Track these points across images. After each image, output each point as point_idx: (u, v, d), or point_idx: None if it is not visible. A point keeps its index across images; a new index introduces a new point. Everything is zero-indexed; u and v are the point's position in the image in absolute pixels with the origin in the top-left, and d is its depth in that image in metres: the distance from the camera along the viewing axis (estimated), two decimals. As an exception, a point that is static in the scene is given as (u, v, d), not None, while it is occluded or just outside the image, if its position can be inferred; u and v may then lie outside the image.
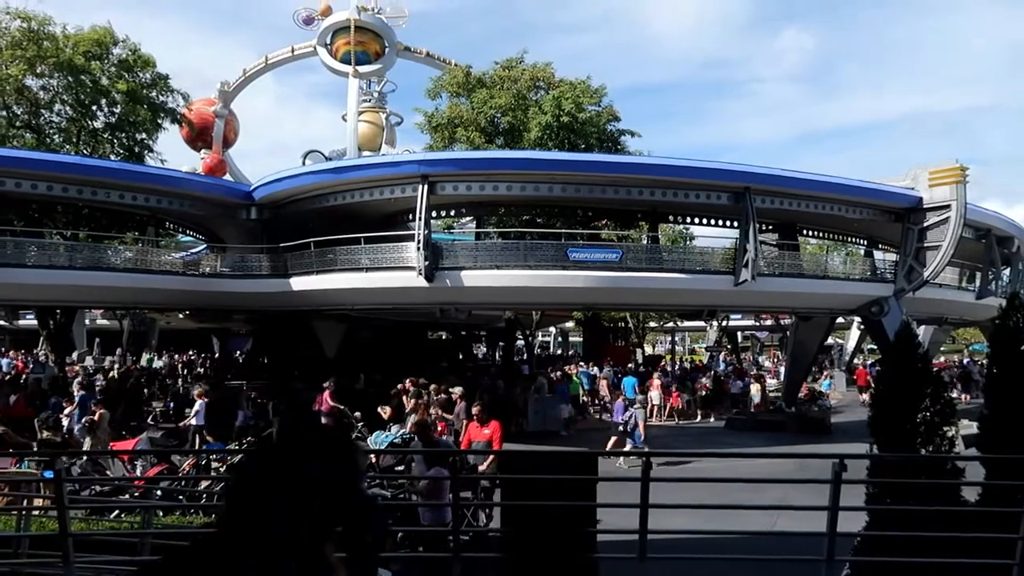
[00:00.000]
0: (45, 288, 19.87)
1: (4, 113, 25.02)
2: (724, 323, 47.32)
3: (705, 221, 24.66)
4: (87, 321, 40.45)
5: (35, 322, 31.71)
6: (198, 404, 16.86)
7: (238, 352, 40.56)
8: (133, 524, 8.53)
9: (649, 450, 13.86)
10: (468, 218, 28.08)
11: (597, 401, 26.96)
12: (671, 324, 52.58)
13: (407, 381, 18.48)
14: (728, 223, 23.52)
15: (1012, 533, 5.41)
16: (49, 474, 9.58)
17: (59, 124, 26.13)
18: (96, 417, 14.33)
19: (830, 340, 38.39)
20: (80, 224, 22.59)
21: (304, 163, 33.68)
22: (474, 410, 12.74)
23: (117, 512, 9.39)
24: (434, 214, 22.16)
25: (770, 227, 24.84)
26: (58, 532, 5.33)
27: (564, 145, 27.11)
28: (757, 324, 51.16)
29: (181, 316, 35.96)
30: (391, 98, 45.82)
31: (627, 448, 16.04)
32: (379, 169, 20.98)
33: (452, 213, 25.13)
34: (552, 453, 5.53)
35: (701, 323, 48.15)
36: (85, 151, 25.58)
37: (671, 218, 25.60)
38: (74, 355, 33.12)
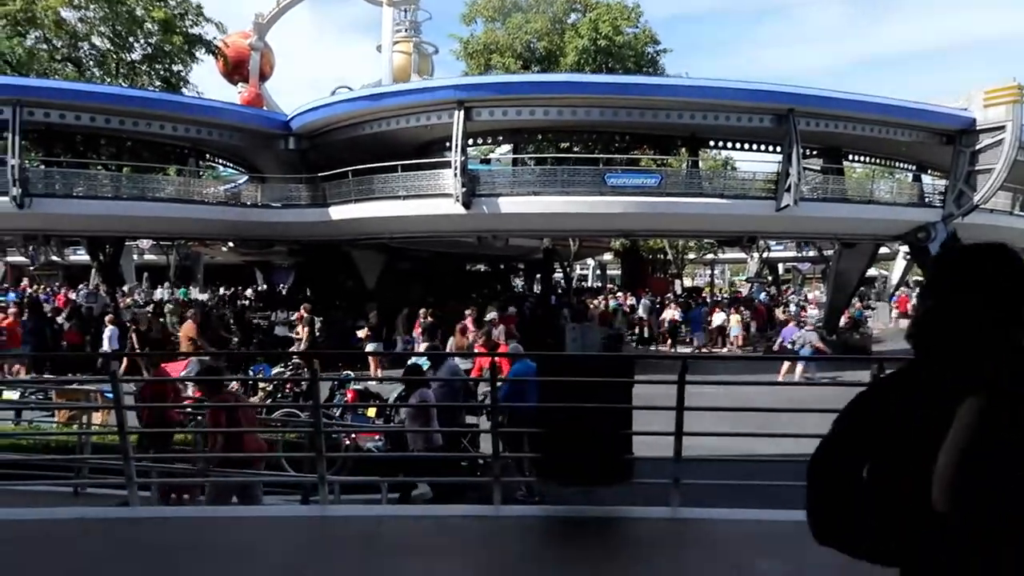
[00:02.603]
0: (93, 219, 20.40)
1: (45, 46, 25.26)
2: (765, 254, 46.59)
3: (746, 146, 24.08)
4: (135, 256, 41.48)
5: (86, 257, 32.65)
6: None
7: (281, 285, 41.34)
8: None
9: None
10: (505, 147, 27.80)
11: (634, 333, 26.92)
12: (710, 255, 51.91)
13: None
14: (770, 148, 22.96)
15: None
16: (111, 395, 10.05)
17: (97, 56, 26.29)
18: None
19: (874, 271, 37.66)
20: (124, 156, 22.97)
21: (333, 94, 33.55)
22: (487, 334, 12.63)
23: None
24: (471, 142, 22.00)
25: (814, 152, 24.20)
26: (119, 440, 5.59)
27: (602, 69, 26.58)
28: (799, 255, 50.26)
29: (225, 249, 36.65)
30: (426, 28, 45.21)
31: (798, 371, 16.27)
32: (415, 95, 20.81)
33: (489, 140, 24.88)
34: (588, 357, 5.57)
35: (741, 254, 47.45)
36: (123, 83, 25.77)
37: (711, 143, 25.06)
38: (125, 287, 34.10)
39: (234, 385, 12.45)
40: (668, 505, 5.37)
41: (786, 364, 17.19)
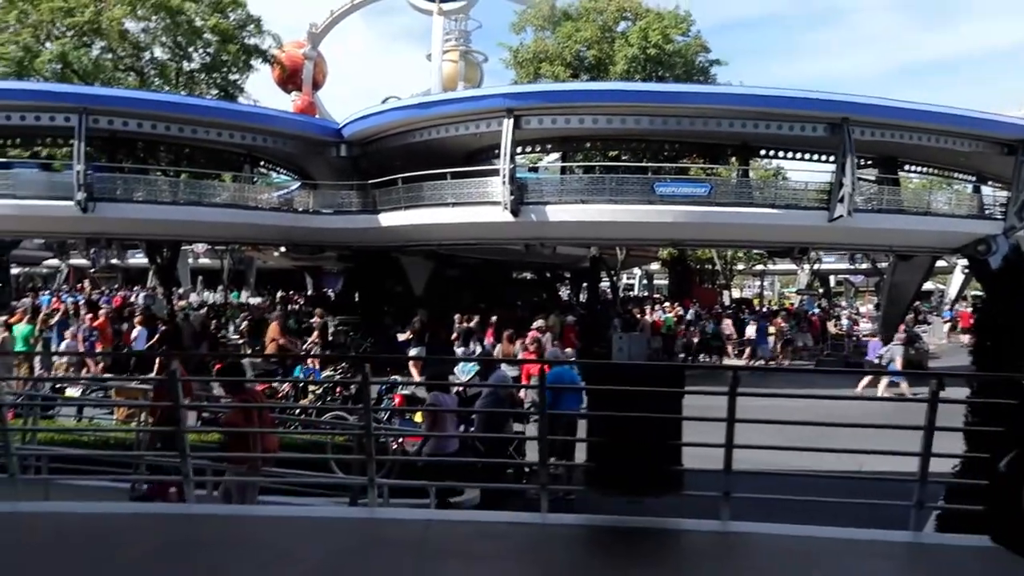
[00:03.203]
0: (152, 223, 21.05)
1: (109, 56, 26.18)
2: (816, 265, 45.68)
3: (798, 155, 23.70)
4: (190, 260, 42.64)
5: (144, 260, 33.68)
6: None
7: (330, 290, 42.00)
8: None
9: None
10: (553, 155, 27.83)
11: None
12: (760, 266, 51.11)
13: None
14: (823, 157, 22.56)
15: None
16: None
17: (158, 65, 27.14)
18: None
19: (930, 285, 36.61)
20: (181, 162, 23.66)
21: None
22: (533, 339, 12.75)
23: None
24: (519, 150, 22.08)
25: (869, 162, 23.67)
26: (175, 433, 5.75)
27: (651, 78, 26.45)
28: (852, 268, 49.12)
29: (276, 254, 37.41)
30: (475, 37, 45.49)
31: (882, 386, 16.21)
32: (464, 104, 21.00)
33: (537, 149, 24.95)
34: (638, 365, 5.53)
35: (792, 266, 46.64)
36: (182, 92, 26.55)
37: (762, 152, 24.71)
38: (180, 290, 35.08)
39: (260, 386, 12.76)
40: (718, 519, 5.30)
41: (866, 379, 17.06)
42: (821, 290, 50.25)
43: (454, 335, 18.86)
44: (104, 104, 20.47)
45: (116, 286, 44.84)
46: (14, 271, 39.06)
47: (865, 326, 33.08)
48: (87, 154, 19.70)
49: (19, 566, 4.48)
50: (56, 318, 18.70)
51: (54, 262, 49.02)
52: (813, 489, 6.11)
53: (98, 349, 16.51)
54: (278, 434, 8.40)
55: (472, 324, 19.09)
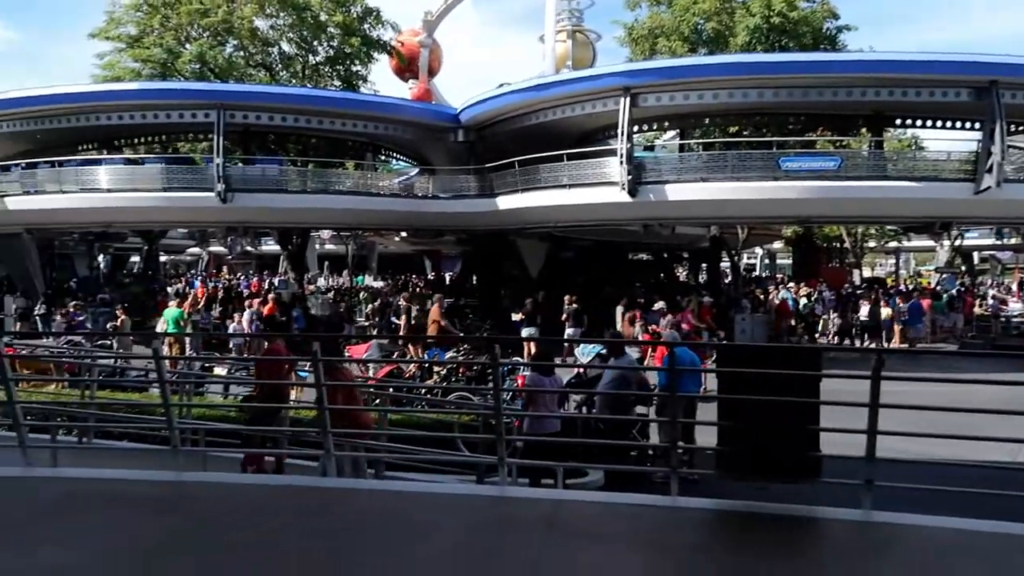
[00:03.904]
0: (284, 211, 22.21)
1: (241, 53, 27.68)
2: (957, 241, 42.48)
3: (938, 123, 22.11)
4: (317, 246, 44.72)
5: (276, 247, 35.62)
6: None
7: (448, 273, 42.99)
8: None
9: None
10: (670, 133, 27.20)
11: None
12: (894, 243, 48.05)
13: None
14: (966, 125, 20.96)
15: None
16: (303, 374, 10.93)
17: (285, 60, 28.44)
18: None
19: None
20: (309, 152, 24.82)
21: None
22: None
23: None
24: (636, 129, 21.71)
25: (1021, 128, 21.78)
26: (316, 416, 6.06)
27: (775, 49, 25.29)
28: (999, 243, 45.38)
29: (397, 239, 38.64)
30: (588, 14, 44.89)
31: None
32: (580, 84, 20.81)
33: (654, 127, 24.45)
34: (773, 348, 5.35)
35: (929, 242, 43.62)
36: (308, 85, 27.72)
37: (897, 122, 23.20)
38: (309, 275, 36.89)
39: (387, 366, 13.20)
40: (858, 508, 5.07)
41: None
42: (963, 268, 46.73)
43: (563, 316, 19.01)
44: (239, 100, 21.81)
45: (251, 271, 47.70)
46: (162, 258, 42.26)
47: (1015, 306, 30.59)
48: (224, 148, 21.02)
49: (185, 531, 4.88)
50: (201, 303, 20.18)
51: (196, 250, 52.64)
52: (963, 481, 5.72)
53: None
54: (381, 412, 8.69)
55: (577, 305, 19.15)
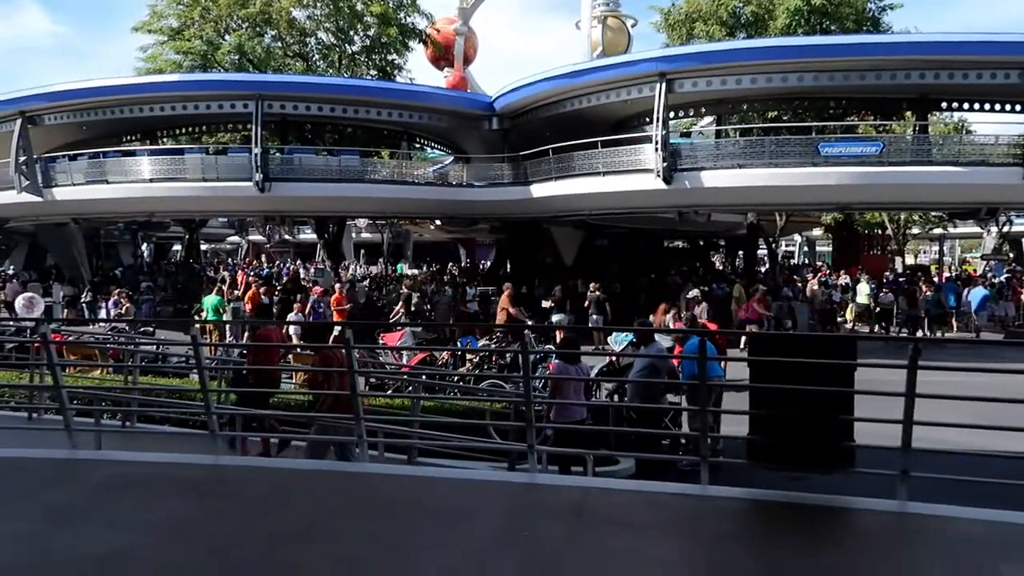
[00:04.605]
0: (321, 200, 22.47)
1: (279, 44, 27.97)
2: (1005, 228, 41.25)
3: (986, 106, 21.47)
4: (353, 235, 45.16)
5: (313, 236, 36.07)
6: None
7: (482, 261, 43.12)
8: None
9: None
10: (707, 119, 26.84)
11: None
12: (938, 230, 46.83)
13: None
14: (1016, 107, 20.33)
15: None
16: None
17: (322, 50, 28.66)
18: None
19: None
20: (344, 141, 25.04)
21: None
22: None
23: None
24: (671, 115, 21.47)
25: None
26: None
27: (816, 32, 24.73)
28: (1051, 229, 43.95)
29: (432, 227, 38.84)
30: (625, 1, 44.29)
31: None
32: (615, 70, 20.63)
33: (690, 113, 24.16)
34: (806, 336, 5.28)
35: (976, 228, 42.46)
36: (345, 74, 27.92)
37: (944, 104, 22.58)
38: (345, 263, 37.29)
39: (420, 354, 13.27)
40: (894, 498, 5.00)
41: None
42: (1011, 255, 45.40)
43: (586, 303, 19.02)
44: (277, 90, 22.07)
45: (288, 260, 48.39)
46: (203, 247, 43.07)
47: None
48: (262, 137, 21.32)
49: (223, 514, 5.00)
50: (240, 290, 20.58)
51: (235, 238, 53.57)
52: (1002, 473, 5.58)
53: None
54: (414, 398, 8.76)
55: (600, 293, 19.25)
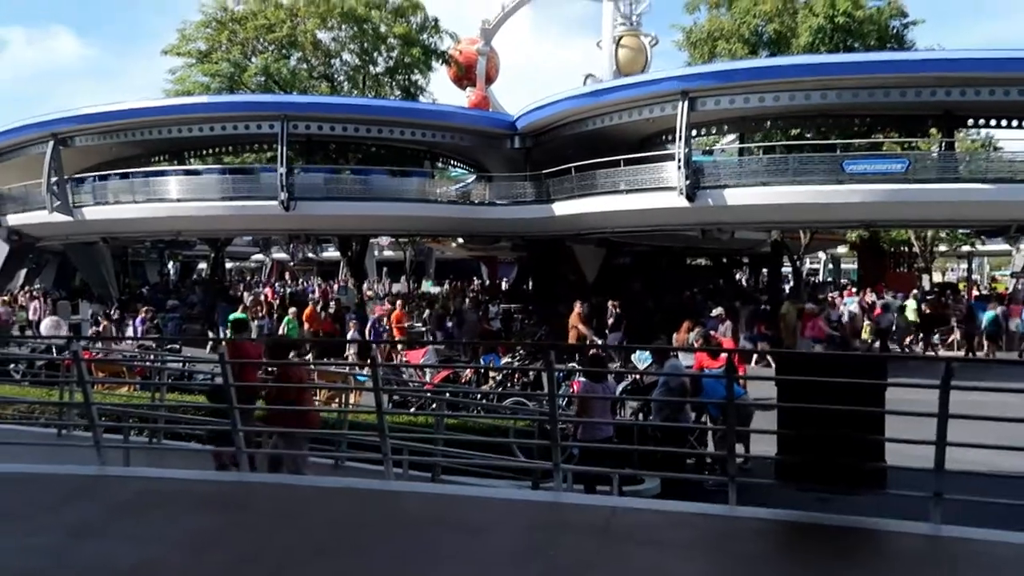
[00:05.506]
0: (345, 218, 22.70)
1: (304, 65, 28.37)
2: (1036, 245, 40.64)
3: (1014, 122, 21.24)
4: (375, 253, 45.45)
5: (336, 253, 36.36)
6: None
7: (504, 279, 43.18)
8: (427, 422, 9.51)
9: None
10: (730, 136, 26.76)
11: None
12: (967, 247, 46.21)
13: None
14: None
15: None
16: (362, 378, 11.10)
17: (346, 71, 29.01)
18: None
19: None
20: (369, 161, 25.30)
21: (585, 84, 34.12)
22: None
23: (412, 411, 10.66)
24: (694, 133, 21.44)
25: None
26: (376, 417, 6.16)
27: (839, 50, 24.51)
28: (1082, 246, 43.24)
29: (454, 245, 39.00)
30: (646, 19, 44.47)
31: None
32: (637, 88, 20.67)
33: (713, 131, 24.12)
34: (835, 356, 5.22)
35: (1005, 245, 41.89)
36: (369, 94, 28.22)
37: (970, 122, 22.35)
38: (369, 282, 37.55)
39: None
40: (927, 521, 4.90)
41: None
42: (1041, 272, 44.65)
43: (608, 317, 19.10)
44: (302, 111, 22.39)
45: (312, 278, 48.80)
46: (228, 265, 43.56)
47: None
48: (288, 157, 21.57)
49: (249, 530, 5.02)
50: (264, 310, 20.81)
51: (260, 257, 54.13)
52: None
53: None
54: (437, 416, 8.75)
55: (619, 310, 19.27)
